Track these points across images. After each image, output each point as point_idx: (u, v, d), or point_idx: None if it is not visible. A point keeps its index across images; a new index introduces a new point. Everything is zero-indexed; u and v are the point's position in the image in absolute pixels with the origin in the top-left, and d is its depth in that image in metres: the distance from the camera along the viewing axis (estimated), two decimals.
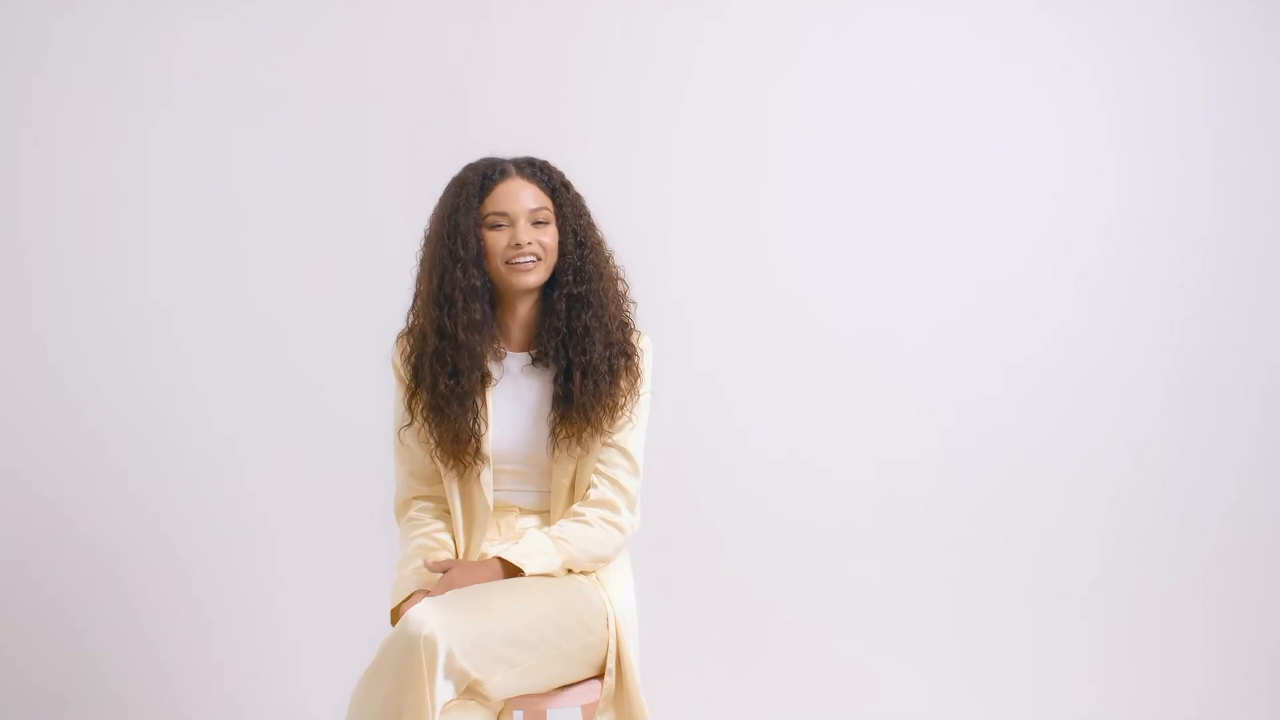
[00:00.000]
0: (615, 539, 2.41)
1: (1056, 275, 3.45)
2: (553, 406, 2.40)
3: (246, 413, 3.39)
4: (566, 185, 2.43)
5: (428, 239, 2.43)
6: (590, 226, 2.43)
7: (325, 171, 3.38)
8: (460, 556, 2.43)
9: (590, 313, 2.38)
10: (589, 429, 2.37)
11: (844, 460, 3.44)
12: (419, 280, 2.43)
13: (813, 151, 3.42)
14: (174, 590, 3.39)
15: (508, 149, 2.46)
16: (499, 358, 2.43)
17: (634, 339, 2.45)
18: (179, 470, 3.40)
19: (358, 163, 3.38)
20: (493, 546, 2.42)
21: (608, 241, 2.47)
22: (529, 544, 2.34)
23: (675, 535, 3.33)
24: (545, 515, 2.46)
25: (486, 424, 2.38)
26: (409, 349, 2.43)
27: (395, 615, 2.37)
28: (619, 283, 2.46)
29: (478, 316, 2.35)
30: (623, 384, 2.40)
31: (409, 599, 2.34)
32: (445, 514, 2.46)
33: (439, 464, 2.40)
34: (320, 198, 3.39)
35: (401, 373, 2.43)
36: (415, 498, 2.48)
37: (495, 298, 2.42)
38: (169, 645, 3.39)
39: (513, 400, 2.44)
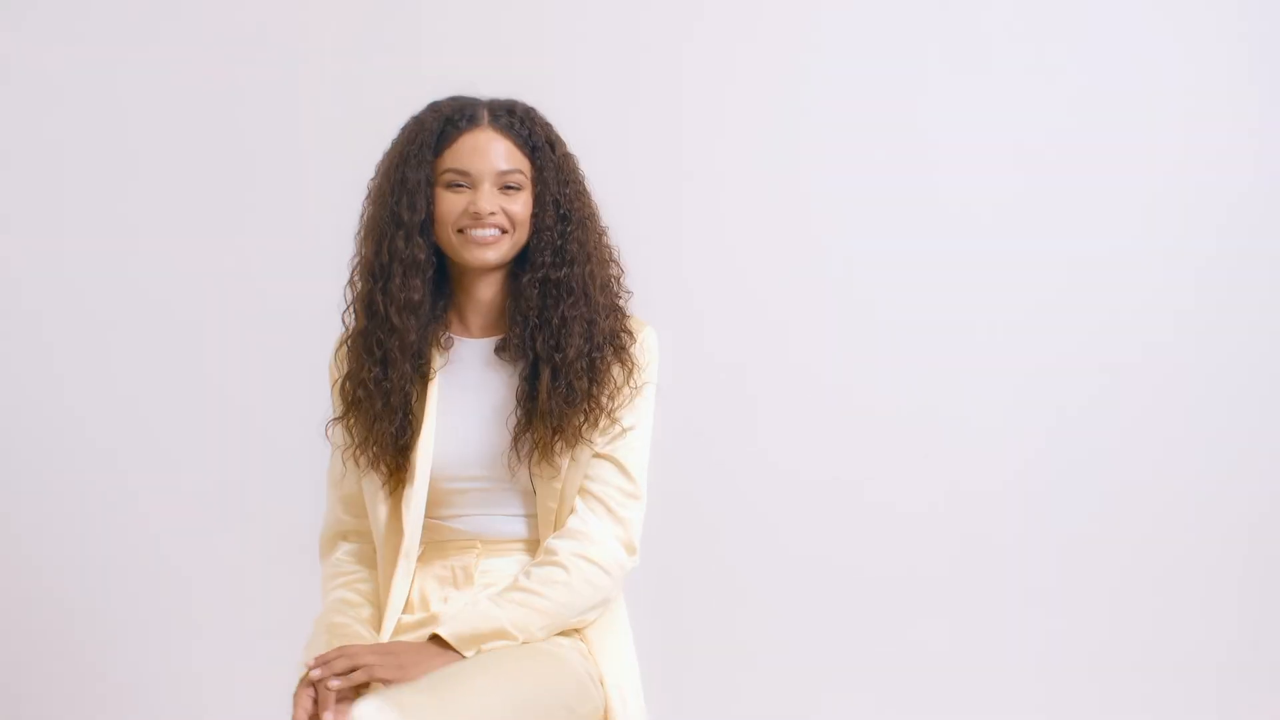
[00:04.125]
0: (601, 584, 2.18)
1: (1177, 249, 3.24)
2: (514, 409, 2.22)
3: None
4: (553, 143, 2.21)
5: (370, 193, 2.25)
6: (578, 195, 2.23)
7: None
8: (379, 607, 2.25)
9: (570, 301, 2.19)
10: (559, 441, 2.17)
11: (904, 487, 3.26)
12: (358, 243, 2.27)
13: (863, 96, 3.22)
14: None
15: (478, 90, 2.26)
16: (446, 347, 2.25)
17: (631, 329, 2.27)
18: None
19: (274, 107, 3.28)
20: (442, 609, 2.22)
21: (602, 215, 2.27)
22: (463, 613, 2.13)
23: (686, 581, 3.22)
24: (532, 547, 2.27)
25: (419, 428, 2.22)
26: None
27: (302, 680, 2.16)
28: (612, 265, 2.27)
29: (416, 296, 2.18)
30: (608, 387, 2.20)
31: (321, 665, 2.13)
32: (374, 556, 2.29)
33: (359, 472, 2.24)
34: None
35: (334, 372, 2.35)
36: (343, 536, 2.32)
37: (450, 274, 2.24)
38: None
39: (463, 401, 2.24)
